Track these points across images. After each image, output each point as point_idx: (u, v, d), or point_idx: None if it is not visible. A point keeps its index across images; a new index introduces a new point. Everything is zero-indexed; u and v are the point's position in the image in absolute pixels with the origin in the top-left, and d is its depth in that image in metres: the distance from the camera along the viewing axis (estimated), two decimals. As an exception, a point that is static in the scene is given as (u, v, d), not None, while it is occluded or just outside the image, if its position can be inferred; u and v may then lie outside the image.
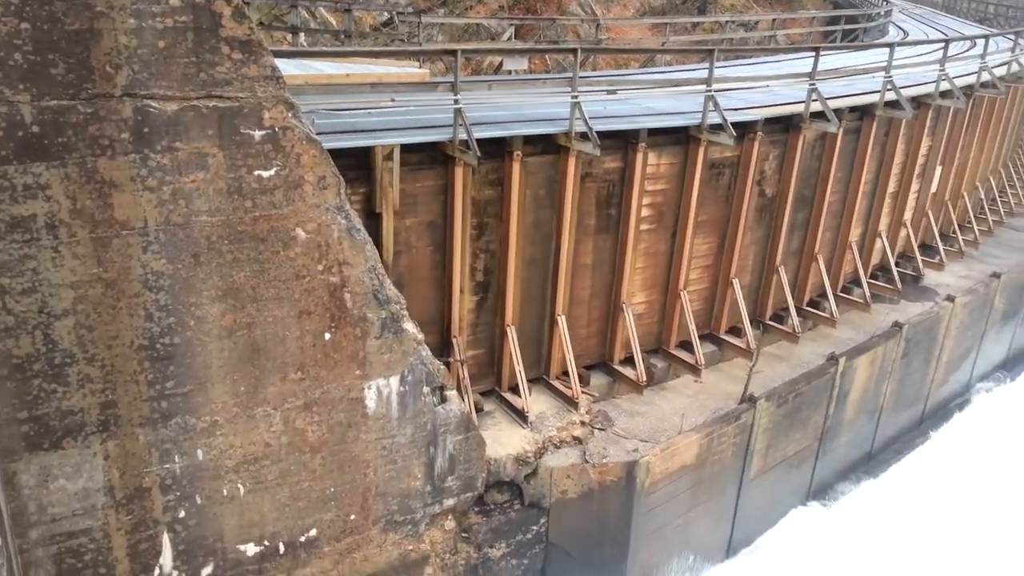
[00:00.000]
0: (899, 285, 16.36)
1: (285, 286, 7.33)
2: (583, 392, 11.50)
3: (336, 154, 7.49)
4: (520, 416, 10.83)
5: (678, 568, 11.54)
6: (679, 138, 11.69)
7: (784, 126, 13.06)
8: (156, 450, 7.06)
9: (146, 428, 6.98)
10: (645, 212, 11.73)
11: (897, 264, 16.88)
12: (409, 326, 8.43)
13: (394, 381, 8.54)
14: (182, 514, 7.28)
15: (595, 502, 10.52)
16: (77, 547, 6.78)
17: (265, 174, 6.92)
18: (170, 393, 7.01)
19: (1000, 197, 23.17)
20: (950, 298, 16.15)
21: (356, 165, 8.79)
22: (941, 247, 18.34)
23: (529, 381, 11.16)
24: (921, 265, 17.61)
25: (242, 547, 7.80)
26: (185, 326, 6.93)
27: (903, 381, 15.66)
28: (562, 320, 11.29)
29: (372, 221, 8.98)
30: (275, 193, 7.02)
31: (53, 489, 6.61)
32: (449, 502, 9.64)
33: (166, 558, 7.27)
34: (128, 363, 6.71)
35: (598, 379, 12.14)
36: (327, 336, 7.75)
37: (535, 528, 10.52)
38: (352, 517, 8.73)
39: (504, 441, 10.46)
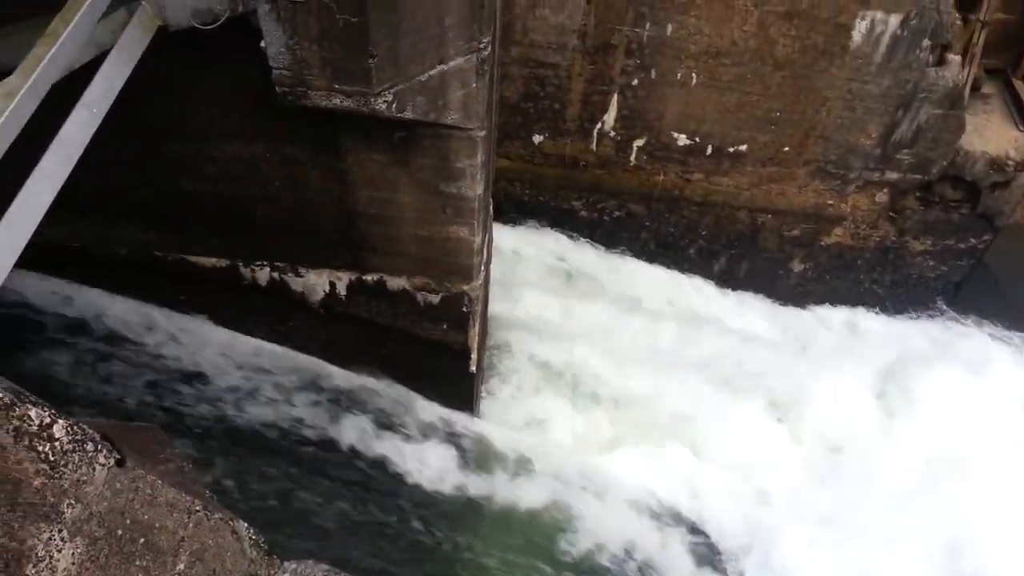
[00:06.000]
0: None
1: None
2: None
3: None
4: (1021, 113, 8.85)
5: None
6: None
7: None
8: (632, 10, 7.04)
9: (628, -15, 6.92)
10: None
11: None
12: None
13: (894, 20, 7.24)
14: (635, 82, 7.46)
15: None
16: (543, 77, 7.41)
17: None
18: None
19: None
20: None
21: None
22: None
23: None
24: None
25: (675, 135, 7.94)
26: None
27: None
28: None
29: None
30: None
31: (537, 15, 7.04)
32: (892, 175, 8.67)
33: (610, 116, 7.69)
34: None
35: None
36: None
37: (974, 241, 9.23)
38: (786, 149, 8.31)
39: (987, 136, 8.76)
